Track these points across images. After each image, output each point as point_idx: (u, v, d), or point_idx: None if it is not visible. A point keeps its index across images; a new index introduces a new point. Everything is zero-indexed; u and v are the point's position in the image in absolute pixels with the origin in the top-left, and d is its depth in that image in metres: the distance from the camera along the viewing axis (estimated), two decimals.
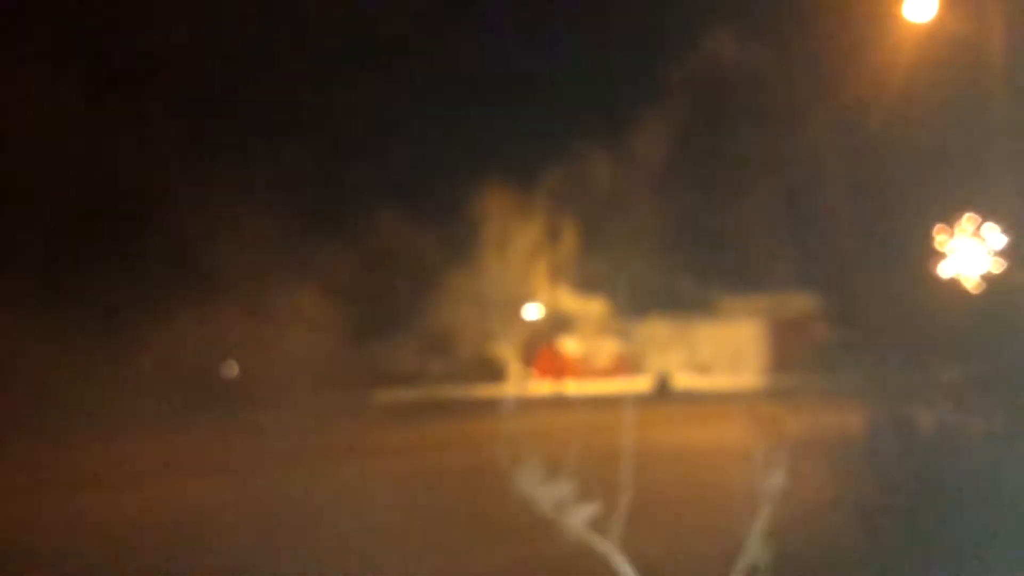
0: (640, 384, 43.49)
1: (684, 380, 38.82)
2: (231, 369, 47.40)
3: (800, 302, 49.72)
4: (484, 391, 39.37)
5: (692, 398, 31.28)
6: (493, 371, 49.49)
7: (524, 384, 49.31)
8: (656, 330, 58.43)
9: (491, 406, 28.77)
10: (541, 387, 43.89)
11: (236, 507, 10.90)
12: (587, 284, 50.00)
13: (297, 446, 18.92)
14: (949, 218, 31.63)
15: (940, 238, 30.65)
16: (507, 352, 51.11)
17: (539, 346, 51.84)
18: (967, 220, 30.55)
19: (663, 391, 36.86)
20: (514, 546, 7.64)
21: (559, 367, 42.28)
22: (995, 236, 27.72)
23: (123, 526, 10.08)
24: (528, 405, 31.28)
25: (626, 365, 56.38)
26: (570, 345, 51.44)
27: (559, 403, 33.08)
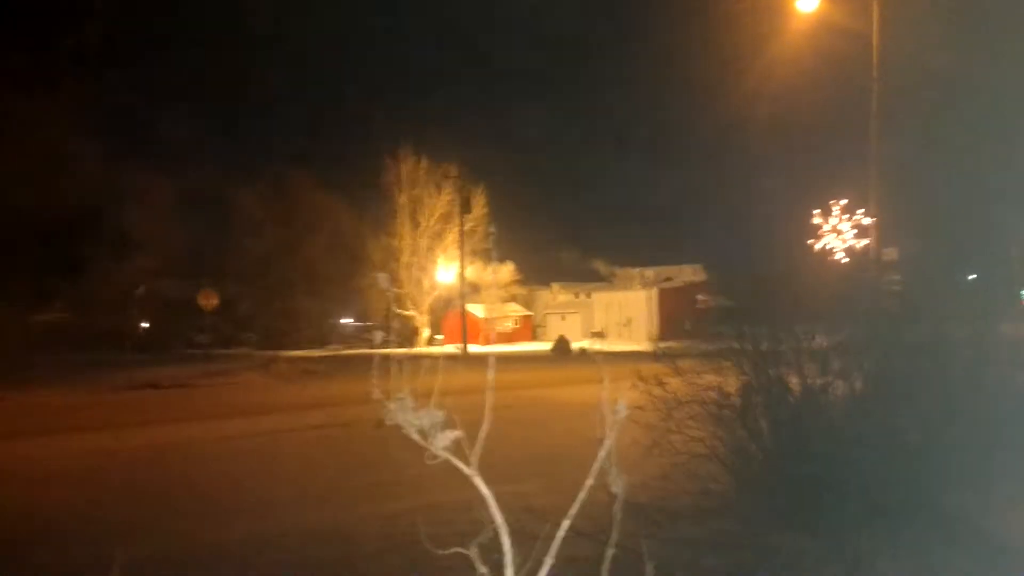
0: (541, 347, 44.18)
1: (583, 345, 39.51)
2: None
3: (686, 274, 51.28)
4: (392, 351, 38.95)
5: (587, 359, 31.83)
6: (403, 334, 49.32)
7: (432, 345, 49.31)
8: (557, 298, 59.33)
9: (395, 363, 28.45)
10: (448, 348, 43.95)
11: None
12: (494, 253, 50.25)
13: (210, 401, 18.65)
14: (823, 200, 32.82)
15: (814, 219, 31.85)
16: (416, 316, 50.99)
17: (447, 311, 51.96)
18: (838, 203, 31.82)
19: (562, 353, 37.41)
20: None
21: (466, 330, 42.37)
22: (862, 218, 29.03)
23: None
24: (431, 362, 31.26)
25: (528, 330, 57.14)
26: (477, 310, 51.61)
27: (461, 360, 33.23)
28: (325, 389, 21.72)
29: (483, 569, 0.94)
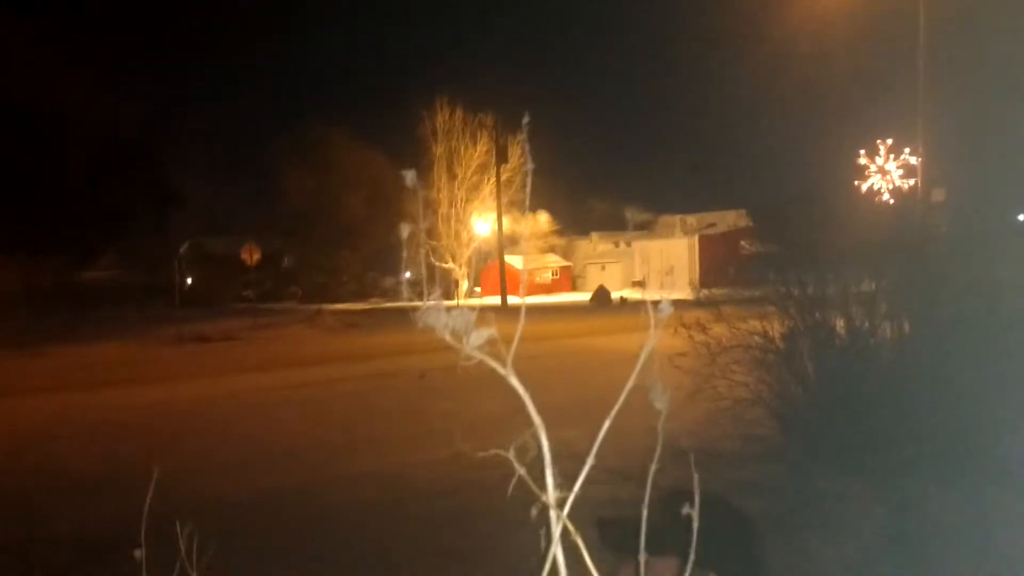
0: (580, 298, 44.21)
1: (622, 294, 39.41)
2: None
3: (729, 220, 50.62)
4: (430, 304, 39.29)
5: (628, 308, 31.78)
6: (442, 287, 49.55)
7: (471, 298, 49.58)
8: (596, 248, 59.07)
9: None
10: (487, 300, 44.12)
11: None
12: (533, 203, 50.04)
13: (259, 353, 19.05)
14: (869, 140, 32.04)
15: (860, 161, 31.15)
16: (455, 269, 51.22)
17: (485, 263, 52.08)
18: (884, 143, 31.04)
19: (602, 302, 37.36)
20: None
21: (505, 282, 42.49)
22: (911, 159, 28.31)
23: None
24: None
25: (568, 281, 57.10)
26: (515, 261, 51.67)
27: (501, 311, 33.41)
28: (369, 341, 22.04)
29: (521, 469, 0.97)
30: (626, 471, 5.81)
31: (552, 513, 0.97)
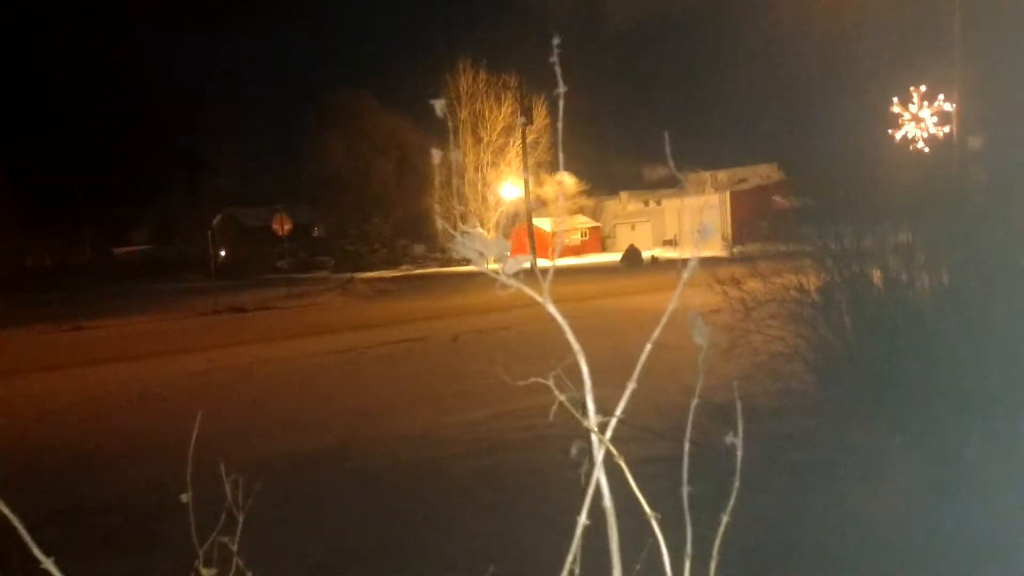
0: (611, 258, 44.04)
1: (653, 253, 39.20)
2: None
3: (761, 175, 49.97)
4: (462, 269, 39.47)
5: (659, 267, 31.65)
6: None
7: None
8: (626, 207, 58.66)
9: (467, 279, 28.95)
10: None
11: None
12: (560, 164, 49.64)
13: (294, 321, 19.32)
14: (902, 87, 31.27)
15: (893, 109, 30.47)
16: (482, 233, 51.12)
17: (514, 225, 51.97)
18: (918, 90, 30.30)
19: (632, 262, 37.18)
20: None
21: (534, 245, 42.41)
22: (945, 105, 27.63)
23: None
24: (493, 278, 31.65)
25: (597, 241, 56.84)
26: (543, 224, 51.52)
27: (530, 274, 33.39)
28: (401, 307, 22.23)
29: (562, 397, 0.98)
30: (660, 429, 5.87)
31: (594, 437, 0.98)
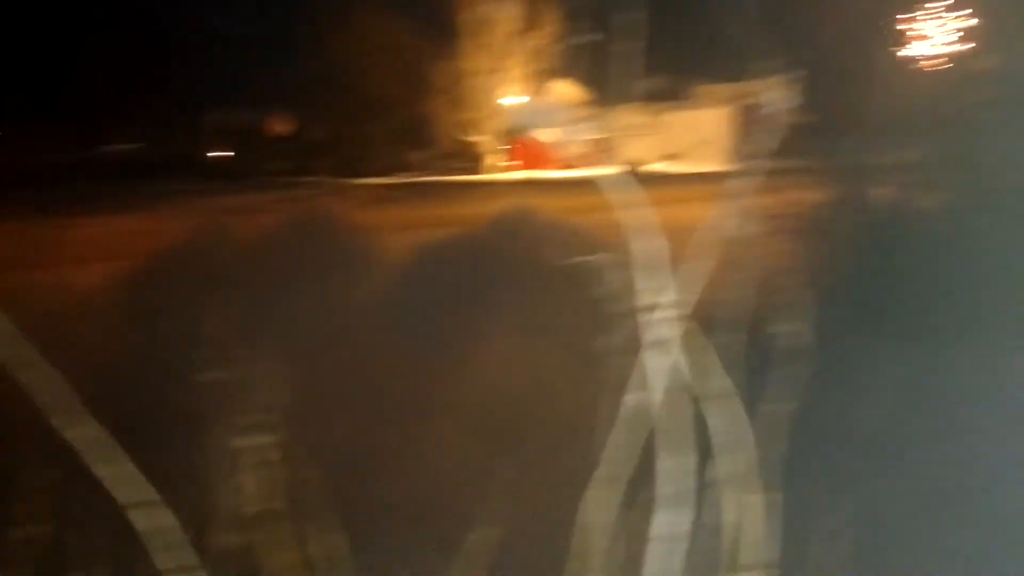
0: (612, 171, 43.45)
1: (656, 167, 38.95)
2: None
3: (767, 88, 49.11)
4: (461, 178, 39.37)
5: (663, 181, 31.58)
6: (470, 160, 49.31)
7: (500, 171, 49.29)
8: (628, 119, 57.77)
9: (466, 189, 28.89)
10: (517, 175, 43.89)
11: None
12: (562, 73, 48.81)
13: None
14: (908, 5, 30.54)
15: (902, 23, 29.80)
16: (484, 142, 50.68)
17: (515, 135, 51.32)
18: (923, 7, 29.56)
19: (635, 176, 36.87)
20: None
21: (535, 155, 42.07)
22: (952, 19, 27.05)
23: None
24: (503, 188, 31.58)
25: (600, 154, 56.14)
26: (545, 134, 50.89)
27: (530, 185, 33.27)
28: (400, 214, 22.22)
29: (612, 276, 1.07)
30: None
31: (645, 319, 1.02)
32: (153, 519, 1.10)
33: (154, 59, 48.73)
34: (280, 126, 28.83)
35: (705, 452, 1.25)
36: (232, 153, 52.52)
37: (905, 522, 3.76)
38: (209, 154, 52.11)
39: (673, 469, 1.07)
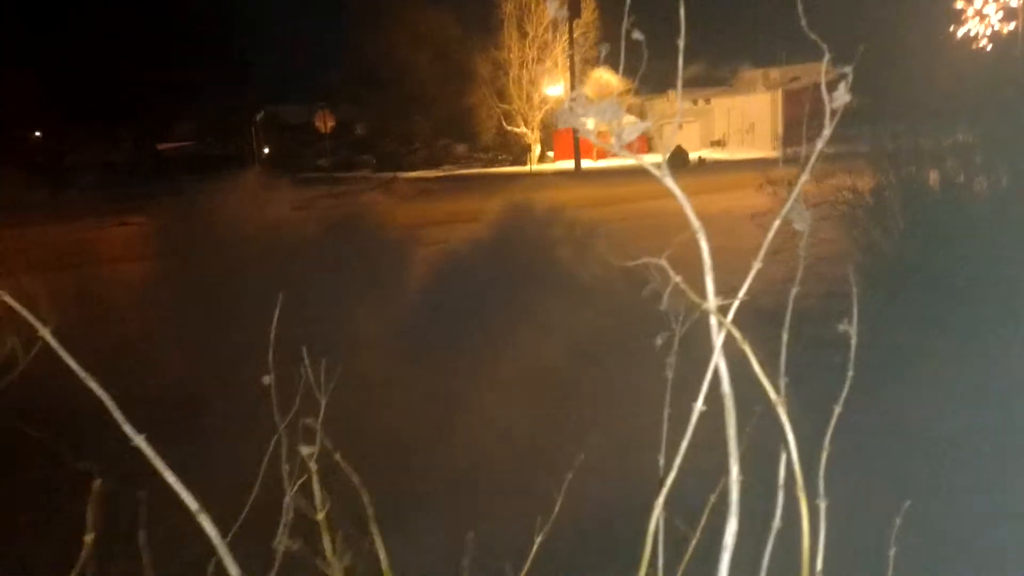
0: (657, 160, 43.10)
1: (700, 154, 38.53)
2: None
3: (815, 73, 48.20)
4: (505, 169, 39.32)
5: (708, 168, 31.18)
6: (514, 152, 49.33)
7: (543, 163, 49.20)
8: (673, 106, 57.11)
9: (511, 180, 28.83)
10: (560, 165, 43.73)
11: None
12: (605, 62, 48.31)
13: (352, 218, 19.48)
14: None
15: (957, 4, 29.05)
16: (527, 133, 50.60)
17: (559, 126, 51.01)
18: None
19: (679, 164, 36.61)
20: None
21: (580, 146, 41.87)
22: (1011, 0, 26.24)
23: None
24: (548, 178, 31.56)
25: (644, 142, 55.75)
26: (589, 124, 50.47)
27: (575, 176, 33.08)
28: (444, 207, 22.32)
29: (677, 278, 1.03)
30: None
31: (713, 320, 0.98)
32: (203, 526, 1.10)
33: (206, 57, 49.56)
34: (329, 122, 29.09)
35: (759, 457, 1.21)
36: (284, 149, 53.30)
37: (975, 525, 3.64)
38: (264, 150, 52.93)
39: (734, 475, 1.02)
